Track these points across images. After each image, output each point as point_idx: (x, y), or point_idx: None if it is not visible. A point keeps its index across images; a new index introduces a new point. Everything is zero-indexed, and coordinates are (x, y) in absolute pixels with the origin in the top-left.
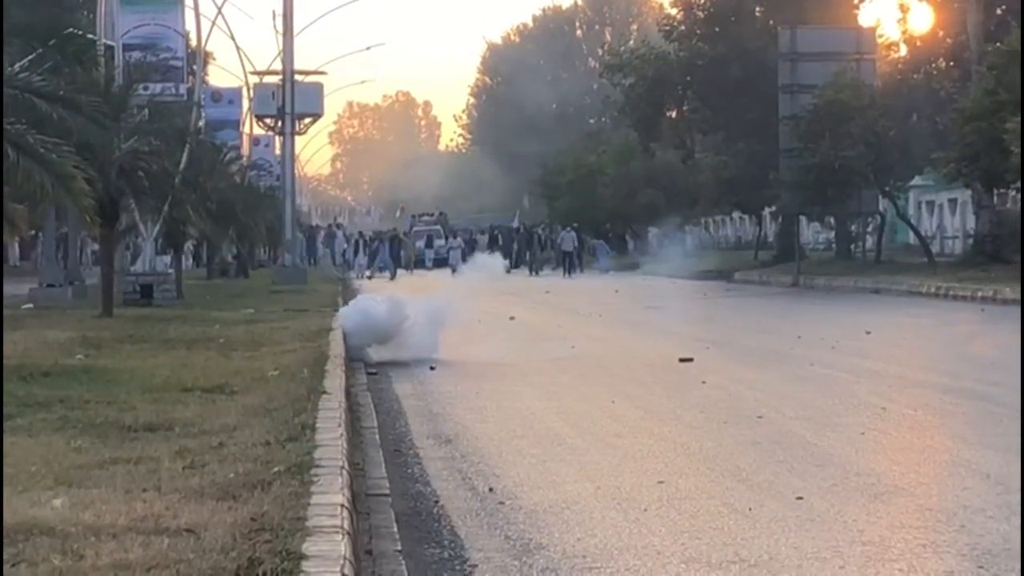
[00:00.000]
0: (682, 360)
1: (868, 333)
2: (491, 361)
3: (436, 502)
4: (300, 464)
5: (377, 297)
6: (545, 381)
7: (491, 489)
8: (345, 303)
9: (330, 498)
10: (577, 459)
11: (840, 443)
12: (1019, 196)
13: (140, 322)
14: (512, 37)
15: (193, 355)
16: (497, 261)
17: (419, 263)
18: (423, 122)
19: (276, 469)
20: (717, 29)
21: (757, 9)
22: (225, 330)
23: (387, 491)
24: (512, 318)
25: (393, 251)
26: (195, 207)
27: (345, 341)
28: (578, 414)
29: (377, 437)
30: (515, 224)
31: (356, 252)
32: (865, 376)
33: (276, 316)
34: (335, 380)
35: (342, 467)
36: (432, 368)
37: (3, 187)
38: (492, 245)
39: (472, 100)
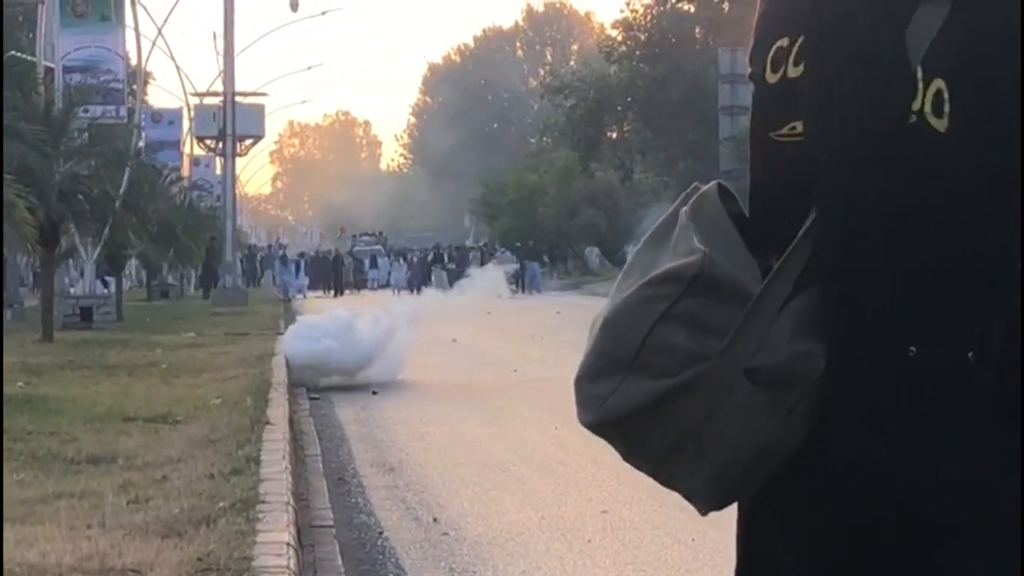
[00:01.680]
0: None
1: None
2: (434, 384)
3: (380, 533)
4: (245, 500)
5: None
6: (488, 405)
7: (435, 519)
8: (286, 326)
9: (276, 536)
10: (520, 488)
11: None
12: None
13: (81, 347)
14: (453, 57)
15: (135, 382)
16: (499, 276)
17: (362, 284)
18: (364, 141)
19: (221, 505)
20: (657, 51)
21: (697, 31)
22: (167, 355)
23: (331, 522)
24: (454, 340)
25: (336, 271)
26: (135, 230)
27: (288, 365)
28: (521, 440)
29: (321, 465)
30: (469, 244)
31: (298, 273)
32: None
33: (217, 340)
34: (278, 409)
35: (287, 503)
36: (375, 392)
37: None
38: (435, 264)
39: (413, 120)
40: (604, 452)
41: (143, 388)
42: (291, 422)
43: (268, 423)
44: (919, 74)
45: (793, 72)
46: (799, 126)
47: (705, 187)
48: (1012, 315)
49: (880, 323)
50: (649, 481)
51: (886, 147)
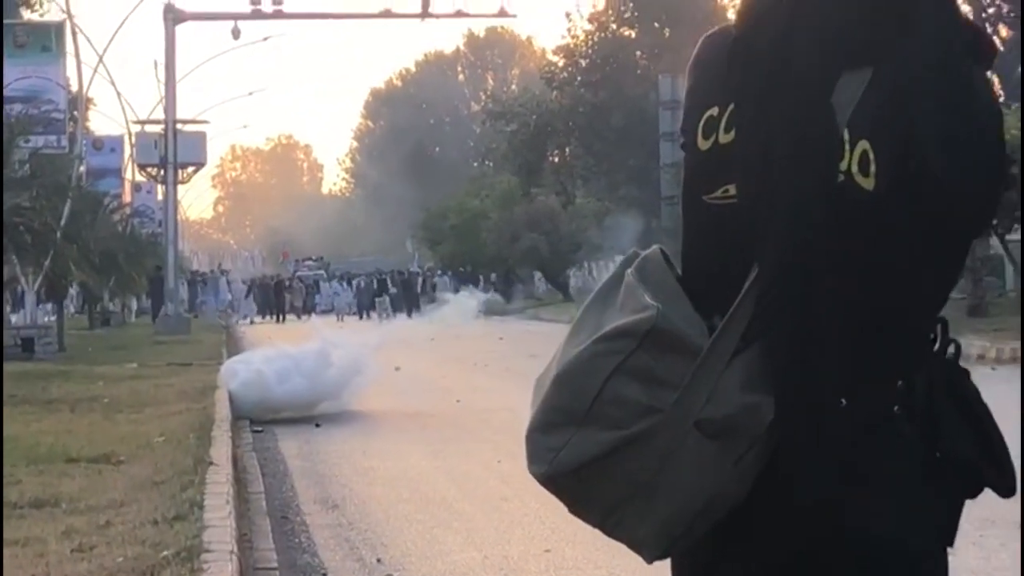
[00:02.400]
0: None
1: None
2: (377, 415)
3: (324, 575)
4: (189, 548)
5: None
6: (432, 437)
7: (379, 560)
8: (230, 355)
9: None
10: (464, 525)
11: None
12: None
13: (22, 380)
14: (395, 81)
15: (77, 418)
16: (473, 304)
17: (307, 309)
18: (306, 165)
19: (165, 554)
20: (598, 77)
21: (639, 55)
22: (109, 388)
23: (275, 564)
24: (398, 368)
25: (278, 297)
26: (76, 260)
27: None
28: (464, 475)
29: (264, 504)
30: (414, 269)
31: (247, 296)
32: None
33: (160, 371)
34: (222, 449)
35: (231, 551)
36: (318, 425)
37: None
38: (380, 290)
39: (355, 144)
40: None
41: (85, 425)
42: (234, 460)
43: (212, 463)
44: (846, 136)
45: (724, 138)
46: (732, 189)
47: (647, 251)
48: (934, 370)
49: (815, 375)
50: None
51: (818, 207)
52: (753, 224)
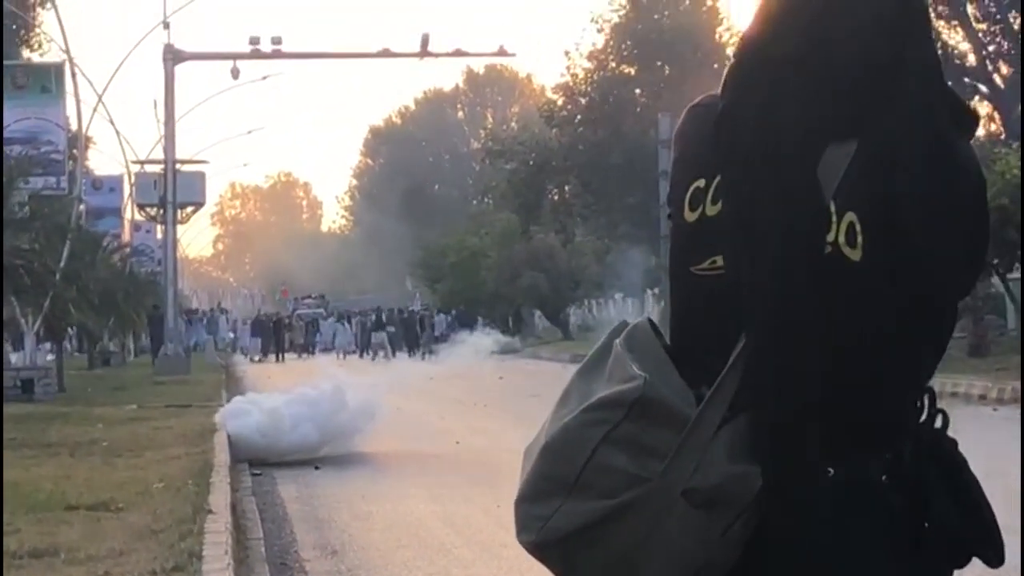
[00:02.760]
0: None
1: None
2: (377, 456)
3: None
4: None
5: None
6: (430, 482)
7: None
8: (229, 395)
9: None
10: (464, 572)
11: None
12: None
13: (21, 422)
14: (394, 119)
15: (77, 463)
16: (488, 344)
17: (307, 347)
18: (305, 203)
19: None
20: (598, 115)
21: (638, 95)
22: (108, 430)
23: None
24: (398, 408)
25: (278, 335)
26: (76, 302)
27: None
28: (464, 520)
29: (263, 549)
30: (414, 307)
31: (252, 335)
32: None
33: (159, 413)
34: (220, 495)
35: None
36: (317, 467)
37: None
38: (377, 328)
39: (354, 181)
40: None
41: (85, 470)
42: (233, 506)
43: (210, 511)
44: (832, 208)
45: (711, 210)
46: (719, 260)
47: (635, 321)
48: (922, 440)
49: (803, 445)
50: None
51: (805, 278)
52: (741, 295)
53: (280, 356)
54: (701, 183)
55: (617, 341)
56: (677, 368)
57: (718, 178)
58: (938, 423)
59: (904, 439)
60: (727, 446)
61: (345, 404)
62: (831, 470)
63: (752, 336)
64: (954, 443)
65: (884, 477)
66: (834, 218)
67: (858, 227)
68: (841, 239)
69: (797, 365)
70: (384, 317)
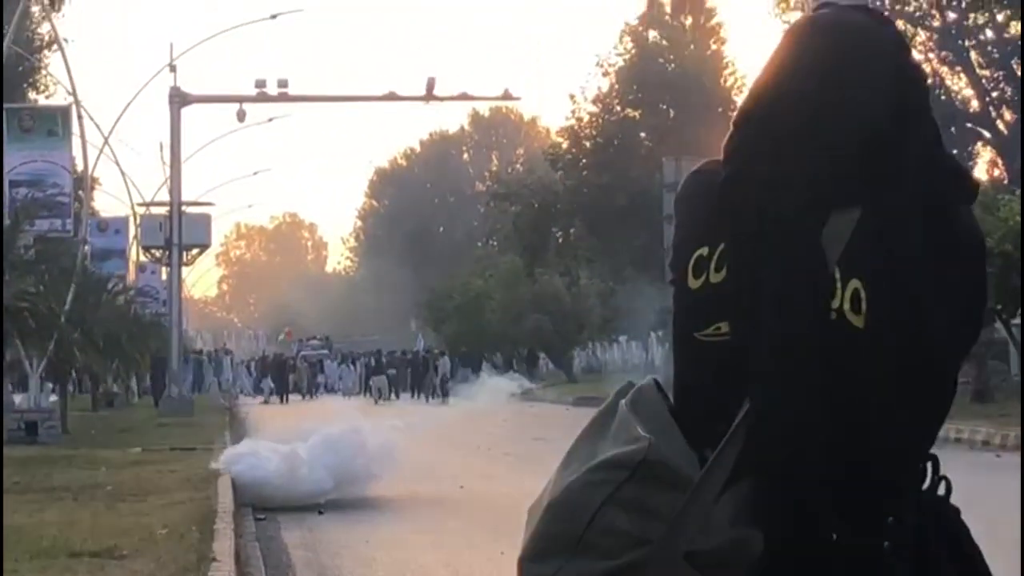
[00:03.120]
0: None
1: None
2: (380, 501)
3: None
4: None
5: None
6: (434, 527)
7: None
8: (234, 437)
9: None
10: None
11: None
12: None
13: (25, 465)
14: (400, 161)
15: (81, 508)
16: (507, 387)
17: (311, 389)
18: (310, 243)
19: None
20: (603, 158)
21: (643, 139)
22: (112, 474)
23: None
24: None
25: (283, 376)
26: (80, 345)
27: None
28: (468, 567)
29: None
30: (419, 348)
31: (261, 378)
32: None
33: (163, 456)
34: (224, 542)
35: None
36: (321, 512)
37: None
38: (377, 371)
39: (359, 223)
40: None
41: (88, 516)
42: (237, 554)
43: (214, 559)
44: (837, 274)
45: (715, 278)
46: (724, 327)
47: (640, 383)
48: (925, 507)
49: (805, 511)
50: None
51: (810, 344)
52: (745, 360)
53: (284, 398)
54: (705, 251)
55: (622, 402)
56: (682, 431)
57: (722, 246)
58: (941, 490)
59: (908, 506)
60: (730, 510)
61: (364, 448)
62: (835, 535)
63: (755, 400)
64: (957, 511)
65: (887, 544)
66: (839, 284)
67: (863, 294)
68: (846, 306)
69: (800, 430)
70: (385, 359)
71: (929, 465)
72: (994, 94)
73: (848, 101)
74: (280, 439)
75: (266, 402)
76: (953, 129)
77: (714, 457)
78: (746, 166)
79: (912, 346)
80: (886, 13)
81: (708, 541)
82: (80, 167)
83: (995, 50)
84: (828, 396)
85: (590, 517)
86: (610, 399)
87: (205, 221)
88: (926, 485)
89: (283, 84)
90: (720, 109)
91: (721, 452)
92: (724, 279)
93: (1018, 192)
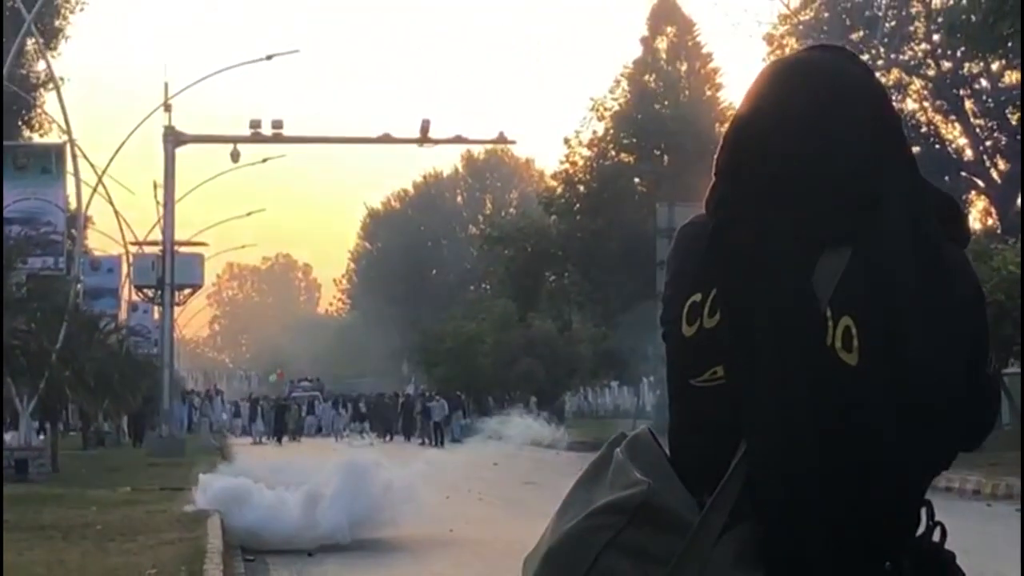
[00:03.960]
0: None
1: None
2: (368, 543)
3: None
4: None
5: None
6: (423, 571)
7: None
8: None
9: None
10: None
11: None
12: None
13: (15, 503)
14: (392, 203)
15: (69, 548)
16: (533, 426)
17: (299, 430)
18: (303, 284)
19: None
20: (597, 203)
21: (637, 184)
22: (102, 514)
23: None
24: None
25: (279, 418)
26: (71, 384)
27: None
28: None
29: None
30: (410, 391)
31: (253, 419)
32: None
33: (153, 496)
34: None
35: None
36: (310, 555)
37: None
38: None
39: (352, 265)
40: None
41: (77, 556)
42: None
43: None
44: (828, 313)
45: (709, 323)
46: (720, 371)
47: (635, 431)
48: (921, 553)
49: (805, 553)
50: None
51: (803, 383)
52: (740, 403)
53: (280, 439)
54: (698, 297)
55: (617, 450)
56: (679, 478)
57: (714, 291)
58: (936, 536)
59: (903, 551)
60: (731, 552)
61: (389, 488)
62: None
63: (752, 443)
64: (952, 556)
65: None
66: (830, 323)
67: (854, 331)
68: (838, 344)
69: (797, 470)
70: (362, 406)
71: (924, 511)
72: (988, 143)
73: (825, 146)
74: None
75: (258, 442)
76: (947, 178)
77: (712, 499)
78: (735, 213)
79: (904, 385)
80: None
81: None
82: (74, 205)
83: (989, 99)
84: (824, 435)
85: (590, 563)
86: (604, 449)
87: (197, 261)
88: (921, 530)
89: (278, 125)
90: (715, 156)
91: (719, 494)
92: (718, 323)
93: (1011, 241)
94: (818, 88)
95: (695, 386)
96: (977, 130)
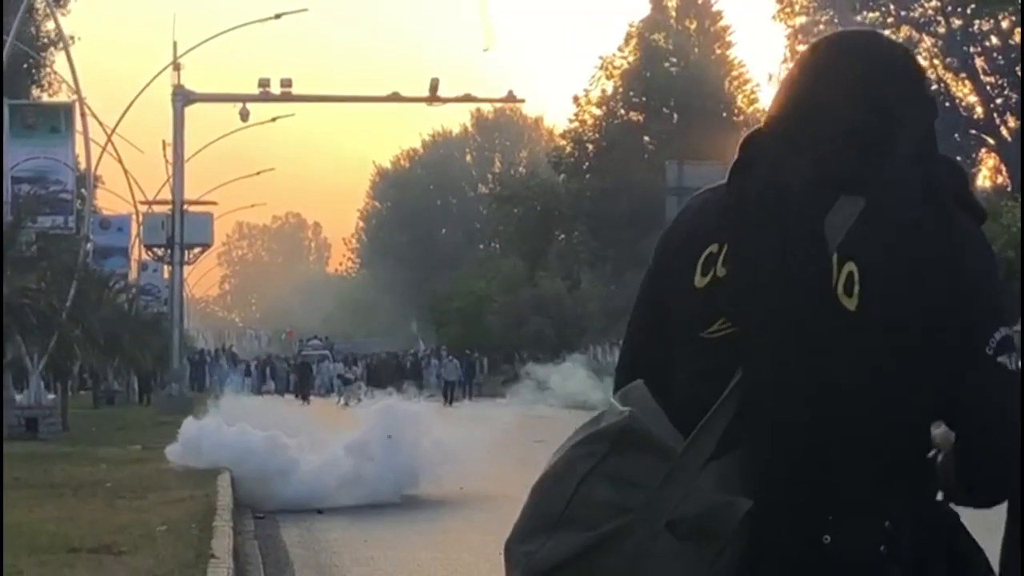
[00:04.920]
0: None
1: None
2: (379, 502)
3: None
4: None
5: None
6: (433, 528)
7: None
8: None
9: None
10: None
11: None
12: None
13: (26, 461)
14: (402, 162)
15: (80, 504)
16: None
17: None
18: (313, 244)
19: None
20: (606, 162)
21: (646, 142)
22: (112, 471)
23: None
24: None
25: (303, 377)
26: (81, 342)
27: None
28: (466, 568)
29: None
30: (420, 350)
31: (263, 379)
32: None
33: (163, 454)
34: (223, 540)
35: None
36: (320, 512)
37: None
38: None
39: (361, 224)
40: None
41: (88, 512)
42: (236, 551)
43: (213, 556)
44: (835, 258)
45: (722, 271)
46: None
47: (632, 383)
48: (923, 511)
49: (797, 505)
50: None
51: (805, 325)
52: (745, 347)
53: (306, 398)
54: (714, 248)
55: (612, 398)
56: (679, 430)
57: (729, 243)
58: (940, 495)
59: (904, 508)
60: (714, 479)
61: (439, 443)
62: (827, 538)
63: (748, 370)
64: (956, 515)
65: (883, 547)
66: (835, 268)
67: (856, 277)
68: (840, 288)
69: (791, 404)
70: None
71: (927, 469)
72: (998, 101)
73: (837, 93)
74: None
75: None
76: (957, 136)
77: (701, 425)
78: (753, 159)
79: (902, 331)
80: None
81: (690, 508)
82: (83, 164)
83: (1000, 56)
84: (822, 378)
85: (572, 490)
86: (598, 412)
87: (207, 220)
88: (925, 488)
89: (287, 84)
90: (724, 113)
91: (709, 420)
92: (729, 272)
93: (1020, 198)
94: (850, 49)
95: (704, 339)
96: (987, 88)
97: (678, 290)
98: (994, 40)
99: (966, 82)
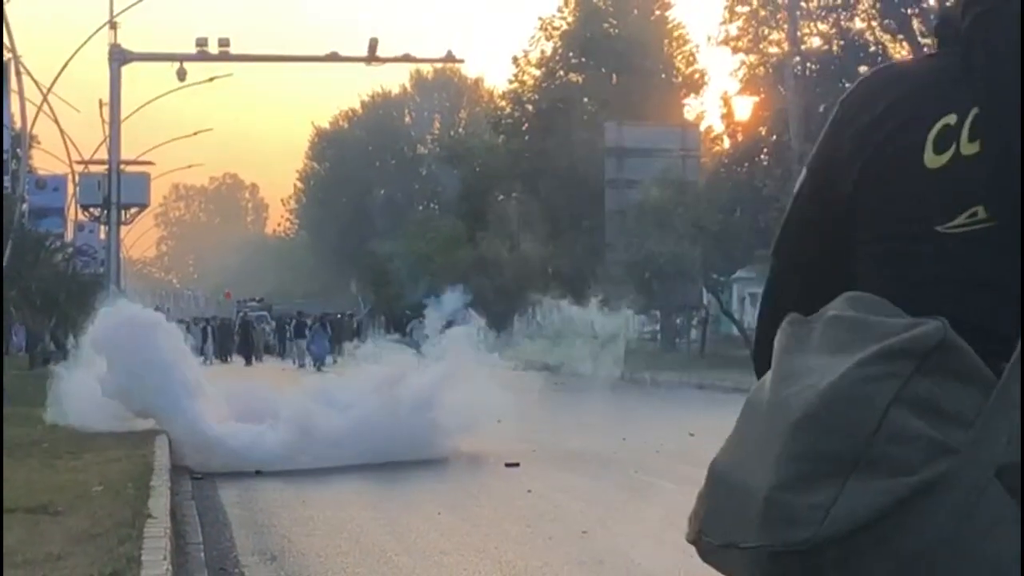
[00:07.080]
0: (508, 465)
1: (692, 435)
2: (316, 464)
3: None
4: None
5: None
6: (371, 488)
7: None
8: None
9: None
10: None
11: (664, 563)
12: None
13: None
14: (341, 122)
15: (16, 464)
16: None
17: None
18: (250, 204)
19: None
20: (546, 123)
21: (586, 103)
22: (48, 432)
23: None
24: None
25: (247, 338)
26: (17, 303)
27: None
28: (404, 527)
29: (202, 555)
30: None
31: (204, 340)
32: (688, 484)
33: None
34: (160, 499)
35: None
36: (258, 472)
37: None
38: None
39: (300, 185)
40: (486, 540)
41: (24, 472)
42: (173, 511)
43: (150, 515)
44: None
45: (969, 149)
46: (981, 211)
47: (852, 293)
48: None
49: None
50: (531, 572)
51: None
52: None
53: (249, 359)
54: (952, 119)
55: (832, 312)
56: None
57: (975, 110)
58: None
59: None
60: None
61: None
62: None
63: None
64: None
65: None
66: None
67: None
68: None
69: None
70: (308, 323)
71: None
72: None
73: None
74: None
75: (207, 363)
76: None
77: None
78: (998, 5)
79: None
80: None
81: (1017, 453)
82: (18, 124)
83: (936, 18)
84: None
85: (877, 422)
86: (780, 335)
87: (144, 180)
88: None
89: (224, 43)
90: (663, 75)
91: None
92: (982, 150)
93: None
94: None
95: (942, 234)
96: (924, 49)
97: (890, 178)
98: (931, 1)
99: (904, 44)
